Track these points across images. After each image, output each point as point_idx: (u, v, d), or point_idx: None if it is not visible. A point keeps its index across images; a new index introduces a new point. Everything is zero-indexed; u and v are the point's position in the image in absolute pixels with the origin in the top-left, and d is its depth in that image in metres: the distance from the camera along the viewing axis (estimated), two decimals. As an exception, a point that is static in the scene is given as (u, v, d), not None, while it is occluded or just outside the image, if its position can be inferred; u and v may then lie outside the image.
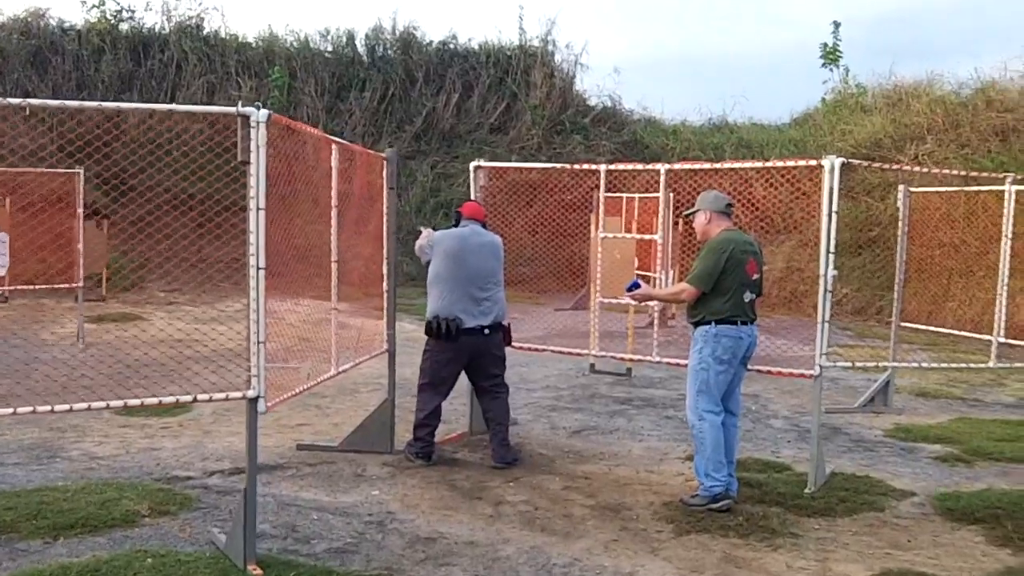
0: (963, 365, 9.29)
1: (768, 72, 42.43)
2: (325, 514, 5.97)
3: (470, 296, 7.04)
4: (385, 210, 7.36)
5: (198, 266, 16.38)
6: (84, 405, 4.55)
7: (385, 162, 7.34)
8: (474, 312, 7.04)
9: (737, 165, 7.06)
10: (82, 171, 12.18)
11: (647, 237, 7.97)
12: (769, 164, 7.01)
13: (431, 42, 25.60)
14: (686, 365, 6.51)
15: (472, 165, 8.11)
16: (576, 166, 8.37)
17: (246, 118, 4.63)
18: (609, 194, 16.63)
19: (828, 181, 6.48)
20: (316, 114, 22.93)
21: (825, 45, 26.93)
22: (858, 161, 6.93)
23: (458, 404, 8.42)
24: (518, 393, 10.04)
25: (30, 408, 4.55)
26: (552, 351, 8.42)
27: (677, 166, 7.31)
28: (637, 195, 16.63)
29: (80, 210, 12.11)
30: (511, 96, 24.89)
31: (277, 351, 7.51)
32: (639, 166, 7.95)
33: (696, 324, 6.34)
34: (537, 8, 54.39)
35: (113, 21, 22.97)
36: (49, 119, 18.92)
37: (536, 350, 8.60)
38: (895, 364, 9.19)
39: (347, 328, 9.01)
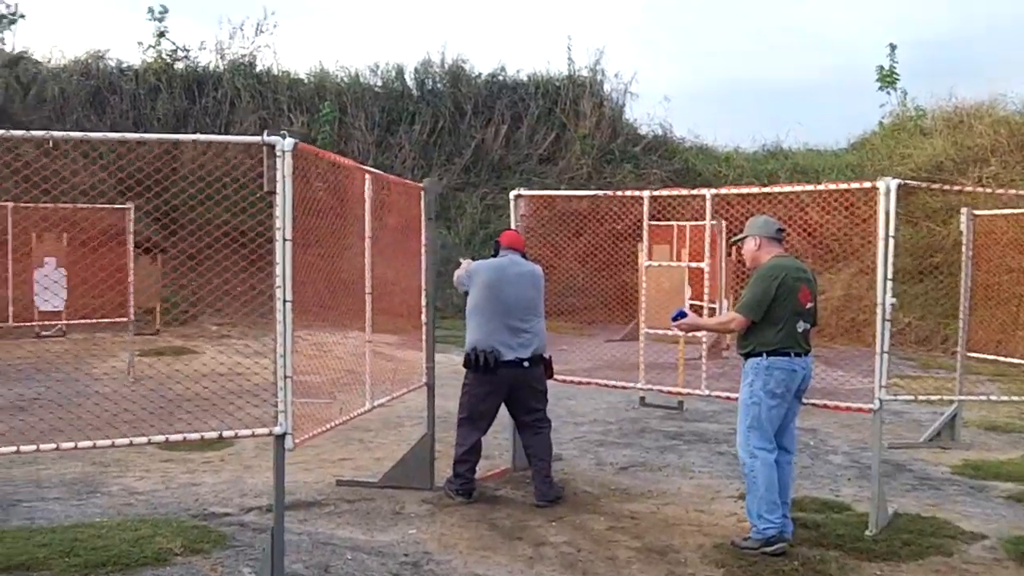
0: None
1: (823, 97, 41.91)
2: (360, 554, 5.77)
3: (508, 327, 6.83)
4: (424, 241, 7.19)
5: (248, 298, 16.39)
6: (108, 442, 4.43)
7: (423, 192, 7.18)
8: (512, 344, 6.83)
9: (787, 189, 6.76)
10: (132, 206, 12.26)
11: (693, 265, 7.71)
12: (821, 187, 6.72)
13: (480, 74, 25.63)
14: (737, 399, 6.23)
15: (512, 194, 7.94)
16: (619, 193, 8.14)
17: (271, 147, 4.50)
18: (657, 222, 16.47)
19: (884, 204, 6.20)
20: (366, 148, 23.00)
21: (881, 68, 26.50)
22: (915, 183, 6.62)
23: (503, 439, 8.20)
24: (565, 427, 9.80)
25: (33, 447, 4.44)
26: (596, 384, 8.16)
27: (723, 191, 7.06)
28: (688, 223, 16.35)
29: (130, 245, 12.16)
30: (560, 126, 24.78)
31: (323, 384, 7.40)
32: (684, 192, 7.70)
33: (747, 356, 6.06)
34: (586, 38, 54.55)
35: (169, 60, 23.32)
36: (106, 157, 19.20)
37: (580, 383, 8.35)
38: (962, 397, 8.74)
39: (392, 360, 8.88)
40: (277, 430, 4.63)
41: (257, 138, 4.51)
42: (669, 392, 8.20)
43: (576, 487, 7.46)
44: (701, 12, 51.12)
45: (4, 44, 23.87)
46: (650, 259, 8.54)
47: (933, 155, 20.99)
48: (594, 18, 44.80)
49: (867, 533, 6.21)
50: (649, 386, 7.82)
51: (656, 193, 7.56)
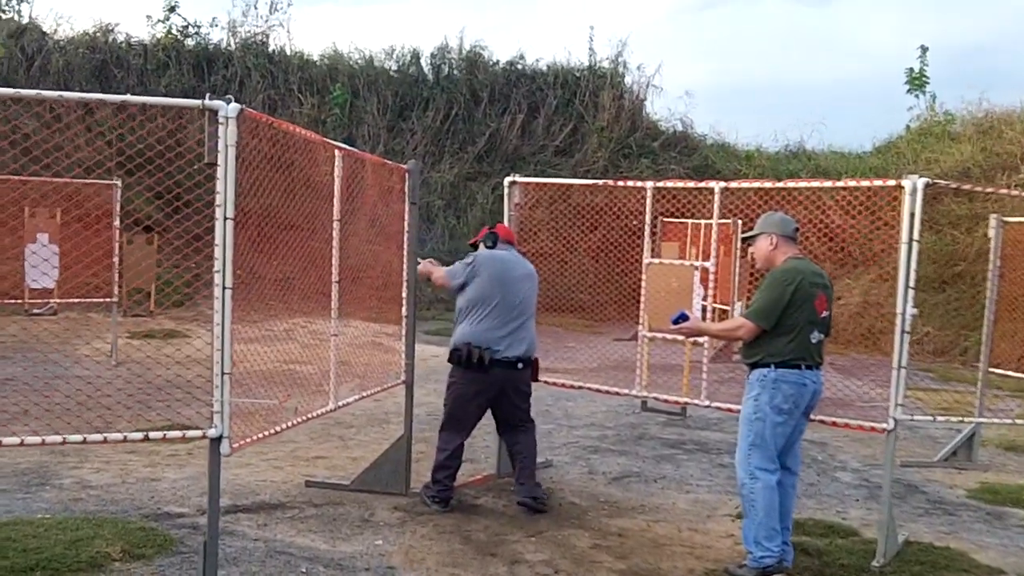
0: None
1: (851, 99, 41.13)
2: (317, 566, 5.27)
3: (507, 325, 6.34)
4: (406, 227, 6.67)
5: (249, 283, 15.90)
6: (15, 440, 3.91)
7: (407, 174, 6.65)
8: (510, 343, 6.33)
9: (803, 184, 6.25)
10: (119, 182, 11.77)
11: (697, 264, 7.16)
12: (841, 184, 6.16)
13: (497, 62, 25.03)
14: (740, 411, 5.66)
15: (507, 180, 7.39)
16: (620, 183, 7.59)
17: (214, 113, 3.99)
18: (671, 219, 15.95)
19: (909, 204, 5.64)
20: (377, 132, 22.49)
21: (911, 71, 25.76)
22: (944, 182, 6.05)
23: (489, 442, 7.68)
24: (559, 431, 9.29)
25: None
26: (587, 388, 7.59)
27: (734, 184, 6.48)
28: (703, 221, 15.79)
29: (116, 223, 11.68)
30: (578, 118, 24.19)
31: (313, 375, 6.91)
32: (691, 184, 7.14)
33: (752, 366, 5.47)
34: (609, 29, 53.90)
35: (179, 36, 22.84)
36: (108, 133, 18.78)
37: (570, 387, 7.79)
38: (981, 420, 8.09)
39: (391, 352, 8.37)
40: (212, 433, 4.12)
41: (196, 102, 3.99)
42: (666, 400, 7.64)
43: (563, 498, 6.93)
44: (729, 8, 50.42)
45: (19, 15, 23.44)
46: (655, 256, 8.00)
47: (961, 160, 20.32)
48: (618, 9, 44.17)
49: (874, 563, 5.66)
50: (644, 393, 7.26)
51: (660, 184, 7.01)
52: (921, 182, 5.64)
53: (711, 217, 8.94)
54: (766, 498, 5.31)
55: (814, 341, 5.37)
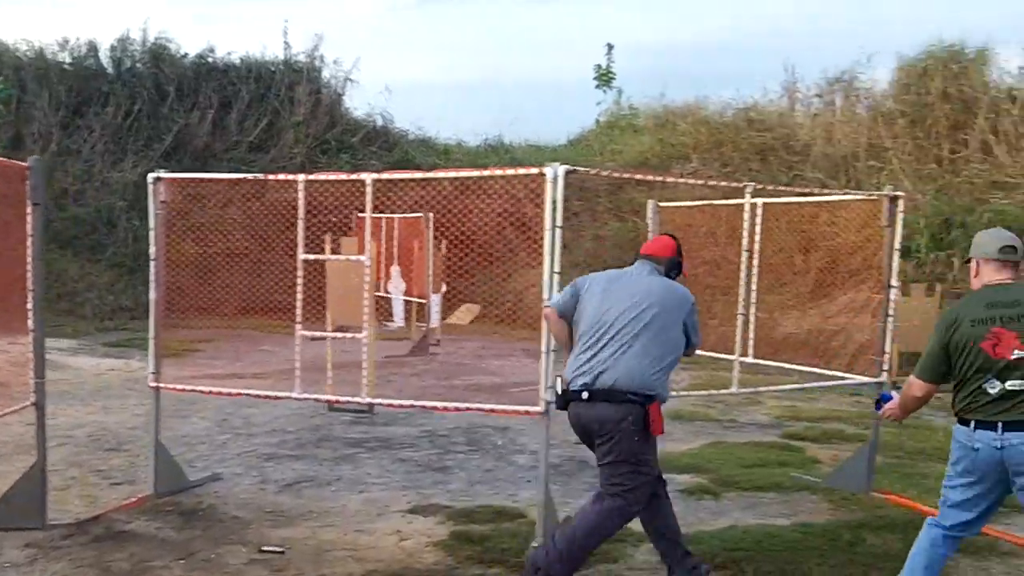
0: (708, 392, 8.94)
1: (549, 95, 42.64)
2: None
3: (587, 348, 5.07)
4: (30, 231, 6.01)
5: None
6: None
7: (28, 172, 5.99)
8: (579, 369, 5.04)
9: (442, 175, 6.16)
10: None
11: (352, 258, 6.99)
12: (486, 173, 6.15)
13: (185, 55, 23.89)
14: (411, 406, 5.43)
15: (150, 177, 6.75)
16: (271, 177, 7.26)
17: None
18: (363, 214, 15.81)
19: (551, 192, 5.68)
20: (49, 130, 20.81)
21: (599, 67, 27.12)
22: (584, 168, 6.16)
23: (145, 459, 7.11)
24: (235, 440, 8.83)
25: None
26: (256, 396, 7.20)
27: (385, 176, 6.32)
28: (397, 215, 15.79)
29: None
30: (273, 113, 23.48)
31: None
32: (343, 176, 6.91)
33: None
34: (304, 23, 53.16)
35: None
36: None
37: (238, 395, 7.39)
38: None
39: (60, 370, 7.61)
40: None
41: None
42: (317, 399, 7.38)
43: (225, 513, 6.50)
44: (443, 5, 51.04)
45: None
46: (335, 252, 7.75)
47: (641, 151, 21.59)
48: (320, 5, 43.47)
49: (533, 544, 5.48)
50: (306, 395, 6.90)
51: (312, 178, 6.74)
52: (562, 169, 5.69)
53: (407, 211, 8.70)
54: (915, 550, 4.64)
55: (993, 392, 4.35)
